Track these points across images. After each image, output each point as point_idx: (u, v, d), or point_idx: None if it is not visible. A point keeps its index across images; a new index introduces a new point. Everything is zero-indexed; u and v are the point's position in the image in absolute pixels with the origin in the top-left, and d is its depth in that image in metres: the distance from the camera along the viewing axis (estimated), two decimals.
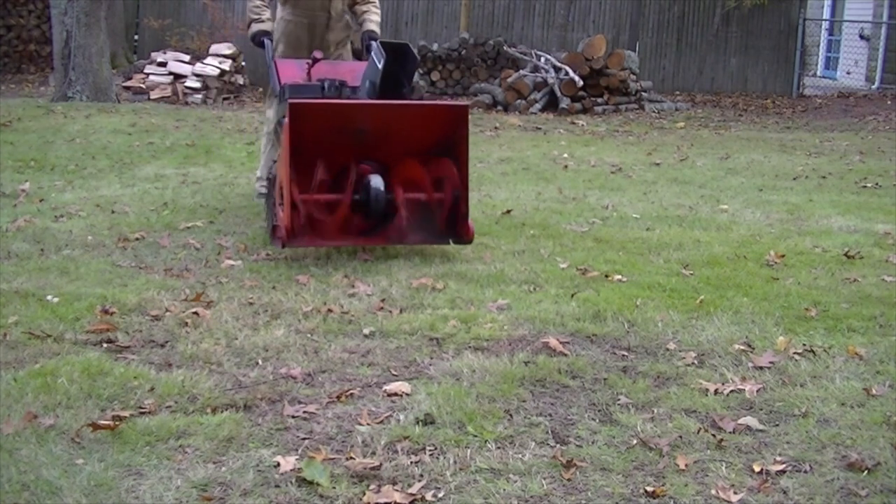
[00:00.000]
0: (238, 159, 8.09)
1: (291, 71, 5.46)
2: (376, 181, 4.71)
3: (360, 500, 2.46)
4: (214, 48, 14.11)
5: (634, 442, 2.82)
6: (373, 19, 5.90)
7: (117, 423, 2.79)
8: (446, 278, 4.46)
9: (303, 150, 4.60)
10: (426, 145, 4.82)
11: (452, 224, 4.81)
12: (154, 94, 13.10)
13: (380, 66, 4.88)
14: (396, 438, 2.80)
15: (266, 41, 5.68)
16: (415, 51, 5.13)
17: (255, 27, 5.74)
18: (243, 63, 14.61)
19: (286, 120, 4.55)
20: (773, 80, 17.58)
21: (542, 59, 14.20)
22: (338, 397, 3.09)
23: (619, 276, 4.60)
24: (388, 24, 14.32)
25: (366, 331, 3.74)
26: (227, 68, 13.83)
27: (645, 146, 10.16)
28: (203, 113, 11.79)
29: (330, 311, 3.96)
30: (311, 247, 4.81)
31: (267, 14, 5.77)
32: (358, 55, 6.14)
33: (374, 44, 5.24)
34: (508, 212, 6.04)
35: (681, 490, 2.55)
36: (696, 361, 3.51)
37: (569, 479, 2.59)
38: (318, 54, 5.34)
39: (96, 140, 8.79)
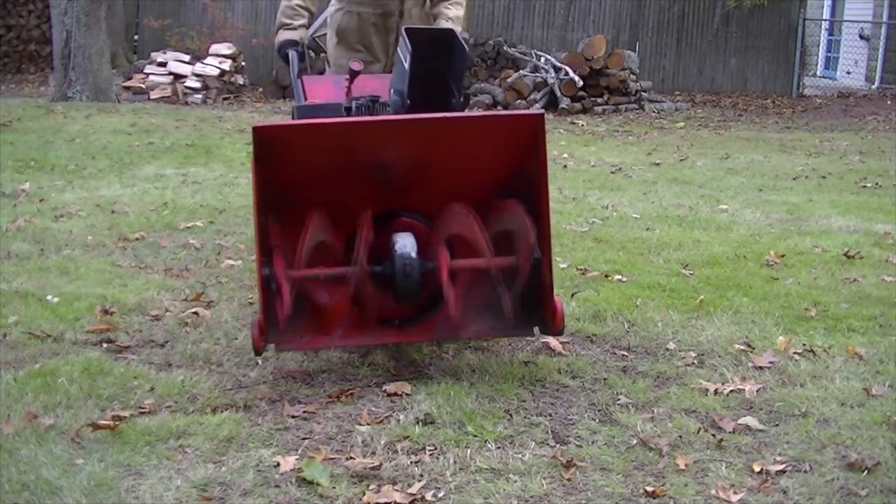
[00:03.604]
0: (238, 159, 8.09)
1: (324, 90, 4.04)
2: (404, 243, 3.12)
3: (360, 500, 2.46)
4: (214, 48, 14.12)
5: (634, 442, 2.82)
6: (449, 15, 4.45)
7: (117, 423, 2.79)
8: None
9: (284, 199, 3.08)
10: (485, 182, 3.19)
11: (532, 303, 3.22)
12: (154, 94, 13.11)
13: (406, 64, 3.41)
14: (396, 438, 2.80)
15: (291, 54, 4.26)
16: (464, 42, 3.53)
17: (282, 36, 4.36)
18: (243, 63, 14.63)
19: (252, 155, 2.98)
20: (773, 80, 17.58)
21: (542, 59, 14.20)
22: (338, 397, 3.08)
23: (619, 276, 4.60)
24: None
25: None
26: (227, 68, 13.84)
27: (645, 146, 10.16)
28: (203, 113, 11.79)
29: None
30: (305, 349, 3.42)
31: (301, 20, 4.41)
32: None
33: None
34: None
35: (681, 490, 2.55)
36: (696, 361, 3.51)
37: (569, 479, 2.59)
38: (355, 65, 3.83)
39: (96, 140, 8.79)
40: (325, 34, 4.98)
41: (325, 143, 3.08)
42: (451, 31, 3.59)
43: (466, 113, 3.43)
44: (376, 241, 3.13)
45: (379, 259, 3.14)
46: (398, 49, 3.60)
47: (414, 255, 3.11)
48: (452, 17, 4.45)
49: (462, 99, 3.58)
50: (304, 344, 3.27)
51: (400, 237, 3.16)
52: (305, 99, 4.00)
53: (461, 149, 3.14)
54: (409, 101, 3.48)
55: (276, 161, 2.98)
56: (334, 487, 2.50)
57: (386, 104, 3.71)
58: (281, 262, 3.01)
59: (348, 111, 3.70)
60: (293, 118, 3.81)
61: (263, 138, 2.95)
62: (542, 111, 3.17)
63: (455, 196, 3.11)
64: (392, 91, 3.61)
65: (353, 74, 3.85)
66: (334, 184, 3.14)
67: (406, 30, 3.52)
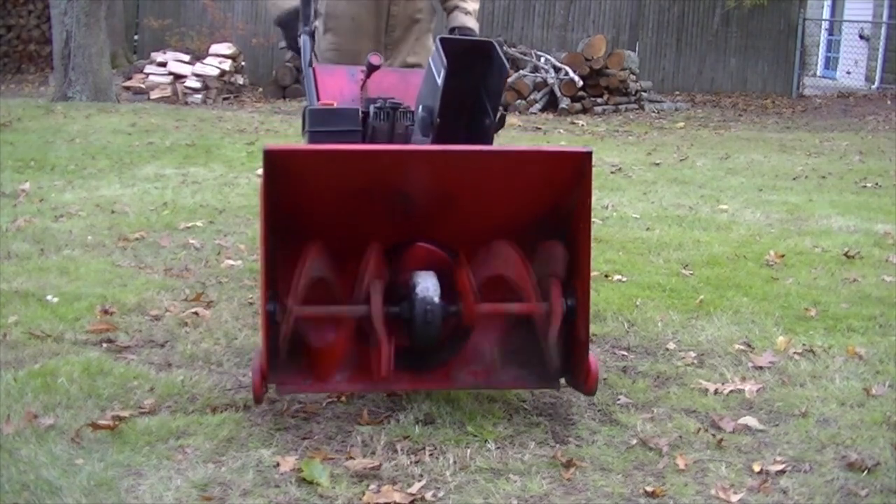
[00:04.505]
0: (238, 159, 8.09)
1: (337, 84, 3.65)
2: (426, 286, 2.80)
3: (360, 500, 2.46)
4: (214, 48, 14.12)
5: (634, 442, 2.82)
6: (467, 8, 3.97)
7: (117, 423, 2.79)
8: None
9: (294, 227, 2.82)
10: (519, 220, 2.92)
11: (564, 354, 2.95)
12: (154, 94, 13.11)
13: (439, 80, 3.03)
14: (396, 438, 2.80)
15: (304, 39, 3.77)
16: (503, 54, 3.15)
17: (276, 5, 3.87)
18: (243, 63, 14.63)
19: (261, 179, 2.69)
20: (773, 80, 17.59)
21: (542, 59, 14.21)
22: (338, 397, 3.08)
23: (619, 276, 4.60)
24: None
25: None
26: (227, 68, 13.84)
27: (645, 146, 10.17)
28: (203, 113, 11.79)
29: None
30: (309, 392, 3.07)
31: None
32: None
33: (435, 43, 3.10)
34: None
35: (681, 490, 2.55)
36: (696, 361, 3.51)
37: (569, 479, 2.59)
38: (374, 59, 3.44)
39: (96, 140, 8.80)
40: None
41: (344, 171, 2.77)
42: (490, 43, 3.11)
43: (506, 147, 3.05)
44: (394, 272, 2.88)
45: (395, 292, 2.84)
46: (430, 60, 3.13)
47: (437, 299, 2.77)
48: (471, 10, 3.99)
49: (497, 119, 3.16)
50: (307, 387, 3.00)
51: (422, 278, 2.81)
52: (317, 93, 3.62)
53: (493, 184, 2.84)
54: (438, 120, 3.08)
55: (288, 187, 2.68)
56: (334, 487, 2.50)
57: (408, 111, 3.36)
58: (285, 296, 2.74)
59: (365, 116, 3.37)
60: (303, 121, 3.49)
61: (276, 161, 2.64)
62: (589, 149, 2.78)
63: (484, 231, 2.89)
64: (420, 108, 3.16)
65: (371, 69, 3.48)
66: (352, 213, 2.85)
67: (440, 39, 3.07)
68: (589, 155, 2.77)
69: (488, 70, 3.11)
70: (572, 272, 2.87)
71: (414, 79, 3.63)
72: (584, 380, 2.87)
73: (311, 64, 3.71)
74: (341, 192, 2.80)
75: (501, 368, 3.02)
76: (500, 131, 3.32)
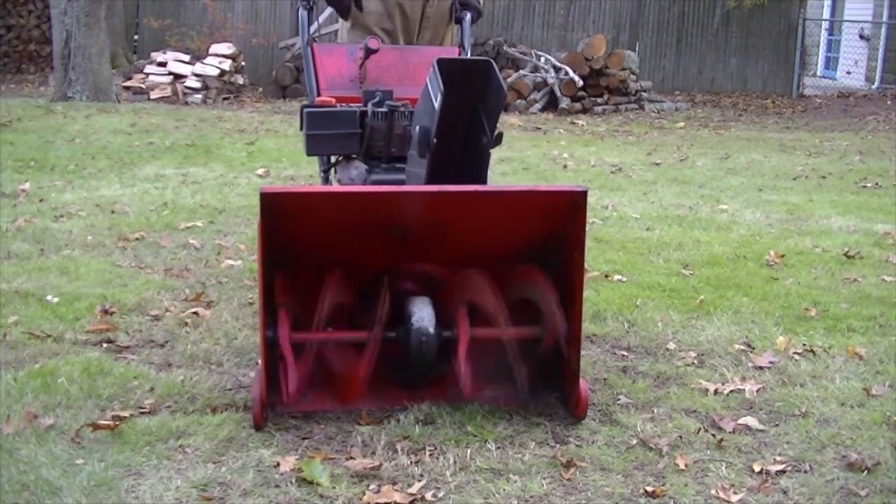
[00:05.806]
0: (238, 159, 8.09)
1: (336, 64, 3.68)
2: (421, 315, 2.87)
3: (360, 500, 2.46)
4: (214, 48, 14.12)
5: (634, 442, 2.82)
6: None
7: (117, 423, 2.79)
8: None
9: (291, 259, 2.90)
10: (511, 249, 2.99)
11: (553, 378, 3.04)
12: (154, 94, 13.11)
13: (436, 103, 2.99)
14: (396, 438, 2.80)
15: (301, 14, 3.78)
16: (500, 75, 3.11)
17: None
18: (243, 63, 14.63)
19: (258, 217, 2.75)
20: (773, 80, 17.59)
21: (542, 59, 14.21)
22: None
23: (619, 276, 4.60)
24: None
25: None
26: (227, 68, 13.84)
27: (645, 146, 10.16)
28: (203, 113, 11.79)
29: None
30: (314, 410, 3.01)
31: None
32: None
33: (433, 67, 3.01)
34: None
35: (681, 490, 2.55)
36: (696, 361, 3.51)
37: (569, 479, 2.59)
38: (373, 44, 3.54)
39: (96, 140, 8.80)
40: (328, 33, 4.67)
41: (337, 210, 2.85)
42: (488, 62, 3.07)
43: (493, 189, 3.08)
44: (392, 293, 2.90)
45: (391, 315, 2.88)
46: (427, 81, 3.09)
47: (432, 329, 2.85)
48: None
49: (495, 136, 3.11)
50: (306, 406, 2.99)
51: (417, 307, 2.88)
52: (316, 73, 3.66)
53: (484, 219, 2.92)
54: (435, 140, 3.04)
55: (283, 225, 2.77)
56: (334, 487, 2.51)
57: (407, 111, 3.35)
58: (286, 323, 2.80)
59: (363, 116, 3.38)
60: (301, 121, 3.46)
61: (271, 202, 2.71)
62: (585, 188, 2.84)
63: (476, 258, 2.92)
64: (417, 126, 3.12)
65: (369, 53, 3.56)
66: (348, 245, 2.91)
67: (437, 61, 3.01)
68: (584, 193, 2.83)
69: (486, 89, 3.08)
70: (564, 299, 2.91)
71: (413, 57, 3.69)
72: (574, 404, 2.95)
73: (309, 43, 3.71)
74: (334, 229, 2.87)
75: (494, 386, 3.04)
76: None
